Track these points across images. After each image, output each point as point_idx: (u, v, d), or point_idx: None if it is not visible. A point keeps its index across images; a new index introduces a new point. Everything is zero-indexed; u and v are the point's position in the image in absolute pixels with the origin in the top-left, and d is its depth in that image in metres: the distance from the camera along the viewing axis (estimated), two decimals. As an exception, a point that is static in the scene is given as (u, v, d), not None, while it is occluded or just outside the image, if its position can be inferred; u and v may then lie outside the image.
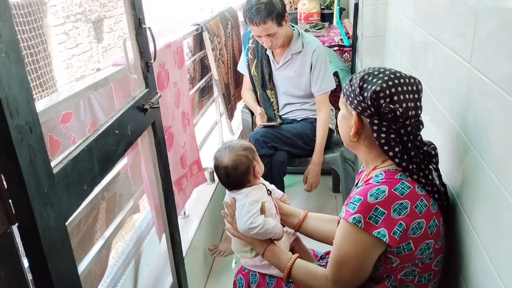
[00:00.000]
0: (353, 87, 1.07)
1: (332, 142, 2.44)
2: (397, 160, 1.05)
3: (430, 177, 1.07)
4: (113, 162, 1.06)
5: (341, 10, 3.46)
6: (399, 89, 1.02)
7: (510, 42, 0.81)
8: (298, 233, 1.48)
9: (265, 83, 2.44)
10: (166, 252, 1.59)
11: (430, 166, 1.09)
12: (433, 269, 1.09)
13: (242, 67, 2.57)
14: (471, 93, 1.03)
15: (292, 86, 2.38)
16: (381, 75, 1.04)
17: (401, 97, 1.02)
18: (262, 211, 1.33)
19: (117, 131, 1.07)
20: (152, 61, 1.32)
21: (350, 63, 2.88)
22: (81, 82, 1.30)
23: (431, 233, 1.04)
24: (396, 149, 1.04)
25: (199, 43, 2.34)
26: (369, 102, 1.02)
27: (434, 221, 1.05)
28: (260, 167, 1.42)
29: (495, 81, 0.88)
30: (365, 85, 1.04)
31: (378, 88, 1.01)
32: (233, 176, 1.37)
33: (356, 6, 2.62)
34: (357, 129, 1.09)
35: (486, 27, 0.95)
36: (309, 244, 1.51)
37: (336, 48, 2.90)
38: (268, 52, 2.38)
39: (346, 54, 2.90)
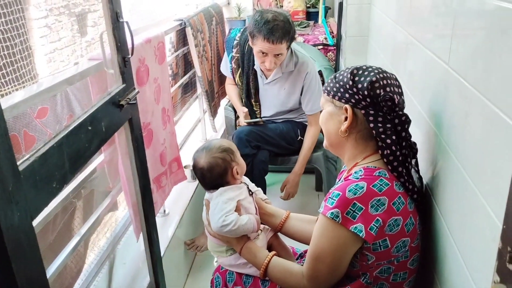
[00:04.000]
0: (341, 83, 1.09)
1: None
2: (388, 151, 1.07)
3: (411, 176, 1.09)
4: (86, 159, 1.04)
5: (327, 9, 3.47)
6: (390, 81, 1.07)
7: (487, 45, 0.81)
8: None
9: (249, 94, 2.36)
10: (144, 250, 1.56)
11: (412, 163, 1.12)
12: (408, 268, 1.10)
13: (225, 70, 2.49)
14: (449, 94, 1.03)
15: (279, 103, 2.31)
16: (370, 69, 1.09)
17: (393, 88, 1.07)
18: (237, 209, 1.32)
19: (90, 127, 1.04)
20: (130, 56, 1.29)
21: (334, 62, 2.88)
22: (57, 76, 1.27)
23: (407, 231, 1.05)
24: (388, 141, 1.07)
25: (182, 38, 2.31)
26: (366, 93, 1.05)
27: (411, 219, 1.06)
28: (240, 168, 1.40)
29: (472, 83, 0.87)
30: (356, 78, 1.07)
31: (374, 79, 1.05)
32: (208, 178, 1.37)
33: (341, 5, 2.62)
34: (350, 122, 1.09)
35: (464, 30, 0.95)
36: (289, 242, 1.50)
37: (320, 46, 2.90)
38: (256, 67, 2.26)
39: (330, 53, 2.90)
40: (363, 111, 1.08)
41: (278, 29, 1.98)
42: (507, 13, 0.73)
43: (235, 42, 2.36)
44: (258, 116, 2.40)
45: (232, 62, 2.38)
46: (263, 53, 2.06)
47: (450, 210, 1.00)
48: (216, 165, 1.35)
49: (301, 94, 2.25)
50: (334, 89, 1.12)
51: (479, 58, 0.85)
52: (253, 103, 2.39)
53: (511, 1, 0.72)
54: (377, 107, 1.06)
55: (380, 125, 1.07)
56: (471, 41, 0.90)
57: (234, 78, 2.42)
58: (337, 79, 1.12)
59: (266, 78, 2.27)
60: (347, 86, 1.08)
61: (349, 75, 1.08)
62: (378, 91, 1.05)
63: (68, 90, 1.48)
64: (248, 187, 1.42)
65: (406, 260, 1.08)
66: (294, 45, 2.33)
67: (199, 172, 1.38)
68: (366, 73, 1.08)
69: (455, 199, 0.97)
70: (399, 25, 1.62)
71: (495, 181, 0.75)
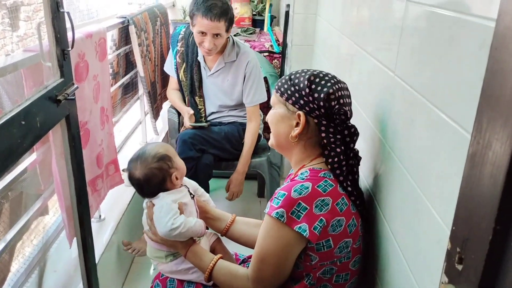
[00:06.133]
0: (297, 87, 1.08)
1: (259, 147, 2.44)
2: (336, 159, 1.08)
3: (356, 184, 1.12)
4: (17, 156, 0.95)
5: (272, 17, 3.51)
6: (344, 92, 1.09)
7: (434, 53, 0.84)
8: (221, 236, 1.44)
9: (194, 89, 2.35)
10: (77, 257, 1.47)
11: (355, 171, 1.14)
12: (350, 269, 1.11)
13: (169, 68, 2.46)
14: (395, 101, 1.06)
15: (223, 95, 2.31)
16: (327, 78, 1.09)
17: (346, 100, 1.09)
18: (180, 211, 1.27)
19: (23, 122, 0.95)
20: (70, 49, 1.21)
21: (279, 69, 2.91)
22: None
23: (350, 231, 1.07)
24: (338, 150, 1.08)
25: (124, 37, 2.22)
26: (321, 103, 1.05)
27: (353, 221, 1.08)
28: (179, 172, 1.34)
29: (418, 90, 0.90)
30: (314, 86, 1.06)
31: (330, 90, 1.05)
32: (146, 188, 1.31)
33: (287, 14, 2.66)
34: (302, 129, 1.09)
35: (411, 38, 0.98)
36: (233, 247, 1.47)
37: (266, 53, 2.92)
38: (200, 58, 2.28)
39: (275, 60, 2.93)
40: (316, 120, 1.08)
41: (216, 7, 2.04)
42: (454, 22, 0.76)
43: (180, 36, 2.36)
44: (203, 114, 2.36)
45: (177, 56, 2.36)
46: (202, 33, 2.09)
47: (394, 214, 1.02)
48: (153, 176, 1.28)
49: (243, 85, 2.28)
50: (289, 92, 1.10)
51: (426, 66, 0.88)
52: (197, 100, 2.36)
53: (457, 11, 0.75)
54: (330, 118, 1.07)
55: (331, 135, 1.08)
56: (418, 49, 0.93)
57: (178, 75, 2.37)
58: (292, 82, 1.11)
59: (209, 70, 2.28)
60: (303, 93, 1.07)
61: (306, 82, 1.07)
62: (333, 103, 1.06)
63: (-3, 83, 1.36)
64: (189, 190, 1.37)
65: (348, 261, 1.09)
66: (241, 41, 2.38)
67: (136, 183, 1.31)
68: (323, 82, 1.07)
69: (399, 203, 0.99)
70: (345, 35, 1.66)
71: (440, 185, 0.78)
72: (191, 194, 1.37)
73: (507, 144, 0.48)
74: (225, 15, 2.06)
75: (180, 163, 1.35)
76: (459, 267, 0.58)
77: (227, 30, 2.13)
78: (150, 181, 1.29)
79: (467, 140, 0.66)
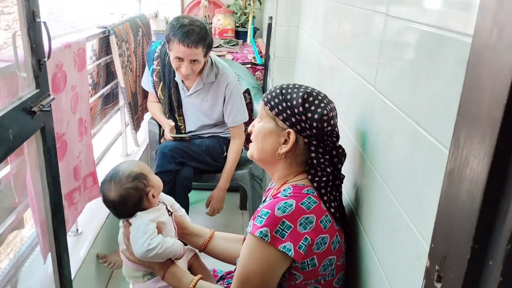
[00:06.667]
0: (289, 103, 1.05)
1: (241, 159, 2.42)
2: (324, 179, 1.06)
3: (337, 201, 1.10)
4: (-13, 170, 0.92)
5: (255, 29, 3.52)
6: (334, 113, 1.09)
7: (413, 68, 0.84)
8: (198, 252, 1.41)
9: (172, 108, 2.31)
10: (52, 273, 1.42)
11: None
12: (334, 287, 1.09)
13: (146, 85, 2.41)
14: (375, 115, 1.05)
15: (203, 115, 2.28)
16: (320, 98, 1.07)
17: (336, 120, 1.09)
18: (159, 230, 1.23)
19: (-6, 134, 0.92)
20: (46, 59, 1.18)
21: (262, 81, 2.91)
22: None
23: (334, 249, 1.05)
24: (328, 170, 1.07)
25: (105, 47, 2.20)
26: (314, 124, 1.04)
27: (337, 237, 1.06)
28: (156, 190, 1.29)
29: (397, 104, 0.90)
30: (307, 106, 1.04)
31: (324, 112, 1.04)
32: (122, 210, 1.26)
33: (270, 26, 2.67)
34: (291, 147, 1.06)
35: (390, 53, 0.98)
36: (211, 263, 1.45)
37: (248, 65, 2.92)
38: (177, 79, 2.23)
39: (258, 72, 2.93)
40: (306, 140, 1.06)
41: (194, 33, 1.98)
42: (432, 37, 0.76)
43: (156, 54, 2.31)
44: (183, 131, 2.33)
45: (154, 75, 2.32)
46: (179, 58, 2.03)
47: (374, 229, 1.02)
48: (128, 197, 1.23)
49: (224, 106, 2.25)
50: (280, 107, 1.07)
51: (405, 81, 0.88)
52: (177, 117, 2.33)
53: (435, 26, 0.75)
54: (321, 139, 1.06)
55: (320, 155, 1.07)
56: (397, 64, 0.93)
57: (156, 92, 2.34)
58: (284, 97, 1.07)
59: (188, 90, 2.24)
60: (296, 111, 1.05)
61: (300, 100, 1.05)
62: (325, 124, 1.04)
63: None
64: (166, 207, 1.33)
65: (332, 278, 1.08)
66: (219, 60, 2.34)
67: (111, 205, 1.26)
68: (316, 102, 1.05)
69: (380, 219, 0.98)
70: (326, 48, 1.67)
71: (419, 201, 0.77)
72: (169, 211, 1.33)
73: (484, 161, 0.48)
74: (203, 41, 2.01)
75: (156, 180, 1.31)
76: (438, 285, 0.57)
77: (205, 55, 2.08)
78: (126, 202, 1.24)
79: (445, 155, 0.66)
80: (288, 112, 1.05)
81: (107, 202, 1.27)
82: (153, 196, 1.27)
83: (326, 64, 1.66)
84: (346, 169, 1.19)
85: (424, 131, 0.76)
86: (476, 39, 0.52)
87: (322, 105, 1.05)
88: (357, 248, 1.13)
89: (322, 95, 1.08)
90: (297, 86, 1.09)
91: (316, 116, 1.03)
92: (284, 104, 1.06)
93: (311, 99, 1.05)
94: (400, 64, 0.91)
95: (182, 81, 2.22)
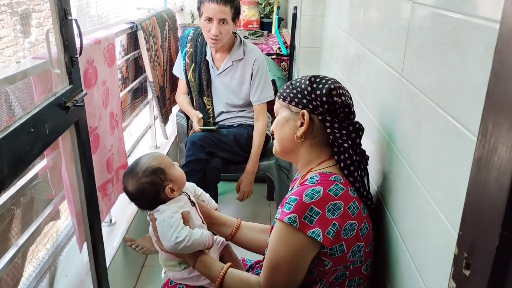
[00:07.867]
0: (299, 89, 1.12)
1: (268, 149, 2.43)
2: (346, 155, 1.09)
3: (365, 180, 1.12)
4: (27, 163, 0.96)
5: (280, 19, 3.50)
6: (344, 91, 1.12)
7: (440, 57, 0.84)
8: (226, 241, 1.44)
9: (202, 89, 2.37)
10: (88, 262, 1.48)
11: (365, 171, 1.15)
12: (362, 273, 1.10)
13: (178, 71, 2.48)
14: (402, 104, 1.05)
15: (232, 94, 2.33)
16: (327, 78, 1.13)
17: (348, 98, 1.12)
18: (185, 220, 1.25)
19: (32, 129, 0.97)
20: (78, 55, 1.22)
21: (287, 72, 2.91)
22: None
23: (362, 235, 1.06)
24: (346, 145, 1.09)
25: (133, 42, 2.24)
26: (324, 99, 1.08)
27: (365, 224, 1.07)
28: (177, 184, 1.28)
29: (425, 92, 0.90)
30: (315, 85, 1.10)
31: (332, 86, 1.09)
32: (140, 202, 1.30)
33: (294, 16, 2.66)
34: (307, 127, 1.10)
35: (417, 41, 0.97)
36: (240, 253, 1.47)
37: (274, 56, 2.92)
38: (208, 58, 2.31)
39: (283, 63, 2.93)
40: (320, 117, 1.10)
41: None
42: (459, 24, 0.75)
43: (189, 37, 2.39)
44: (211, 114, 2.38)
45: (186, 57, 2.38)
46: (209, 19, 2.13)
47: (402, 218, 1.02)
48: (145, 190, 1.26)
49: (250, 83, 2.30)
50: (291, 95, 1.13)
51: (432, 68, 0.87)
52: (205, 100, 2.38)
53: (462, 12, 0.74)
54: (334, 113, 1.09)
55: (336, 131, 1.09)
56: (424, 52, 0.92)
57: (186, 76, 2.39)
58: (293, 86, 1.14)
59: (218, 69, 2.31)
60: (305, 92, 1.10)
61: (307, 82, 1.11)
62: (336, 98, 1.08)
63: (9, 90, 1.38)
64: (189, 198, 1.33)
65: (360, 265, 1.09)
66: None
67: (130, 197, 1.30)
68: (323, 81, 1.11)
69: (408, 207, 0.98)
70: (352, 36, 1.65)
71: (448, 188, 0.77)
72: (192, 201, 1.34)
73: (513, 148, 0.48)
74: (232, 1, 2.12)
75: (176, 174, 1.30)
76: (467, 272, 0.57)
77: (233, 20, 2.17)
78: (143, 195, 1.27)
79: (473, 143, 0.65)
80: (299, 96, 1.11)
81: (127, 194, 1.31)
82: (172, 191, 1.27)
83: (352, 53, 1.65)
84: (372, 157, 1.19)
85: (452, 119, 0.76)
86: (504, 25, 0.51)
87: (329, 82, 1.11)
88: (385, 236, 1.13)
89: (329, 77, 1.14)
90: (304, 76, 1.15)
91: (324, 91, 1.08)
92: (294, 91, 1.13)
93: (317, 80, 1.12)
94: (427, 51, 0.90)
95: (213, 60, 2.31)
